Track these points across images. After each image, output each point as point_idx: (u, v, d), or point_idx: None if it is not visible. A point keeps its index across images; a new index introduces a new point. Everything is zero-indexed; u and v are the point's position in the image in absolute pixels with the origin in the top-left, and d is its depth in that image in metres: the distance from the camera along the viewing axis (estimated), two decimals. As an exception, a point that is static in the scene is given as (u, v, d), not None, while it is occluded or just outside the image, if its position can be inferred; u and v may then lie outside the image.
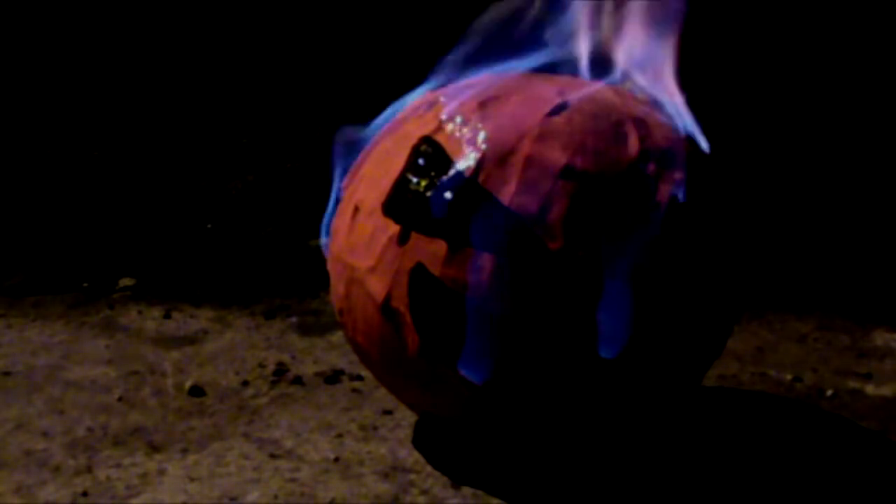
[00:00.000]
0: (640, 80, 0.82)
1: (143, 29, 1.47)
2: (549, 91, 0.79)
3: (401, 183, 0.77)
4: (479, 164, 0.75)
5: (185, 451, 0.87)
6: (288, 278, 1.29)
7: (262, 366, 1.04)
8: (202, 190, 1.45)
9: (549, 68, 0.84)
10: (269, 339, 1.11)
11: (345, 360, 1.04)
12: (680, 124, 0.80)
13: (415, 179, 0.76)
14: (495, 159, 0.75)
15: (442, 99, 0.81)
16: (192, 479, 0.82)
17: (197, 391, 0.98)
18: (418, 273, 0.75)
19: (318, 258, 0.87)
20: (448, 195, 0.75)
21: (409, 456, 0.86)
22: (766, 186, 1.27)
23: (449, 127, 0.78)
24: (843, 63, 1.34)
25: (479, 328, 0.74)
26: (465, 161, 0.75)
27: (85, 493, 0.80)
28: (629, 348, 0.75)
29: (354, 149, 0.84)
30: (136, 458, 0.86)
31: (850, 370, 1.05)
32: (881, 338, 1.13)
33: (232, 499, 0.80)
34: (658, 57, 0.82)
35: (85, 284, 1.27)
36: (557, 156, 0.75)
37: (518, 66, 0.84)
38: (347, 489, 0.81)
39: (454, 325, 0.75)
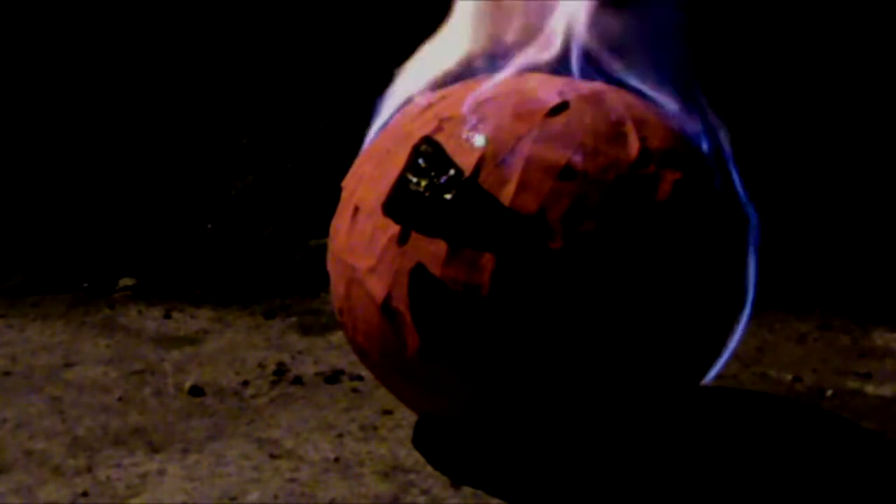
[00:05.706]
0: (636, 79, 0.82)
1: (143, 29, 1.47)
2: (549, 91, 0.79)
3: (401, 183, 0.77)
4: (479, 164, 0.75)
5: (185, 451, 0.87)
6: (288, 278, 1.29)
7: (262, 366, 1.04)
8: (202, 190, 1.45)
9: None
10: (269, 339, 1.11)
11: (345, 360, 1.04)
12: (680, 123, 0.80)
13: (415, 179, 0.76)
14: (495, 159, 0.75)
15: (441, 99, 0.81)
16: (192, 479, 0.82)
17: (197, 391, 0.98)
18: (418, 273, 0.75)
19: (319, 258, 0.87)
20: (448, 195, 0.75)
21: (409, 456, 0.86)
22: (767, 186, 1.27)
23: (449, 127, 0.78)
24: (843, 63, 1.34)
25: (480, 328, 0.74)
26: (465, 161, 0.75)
27: (85, 493, 0.80)
28: (629, 348, 0.75)
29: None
30: (136, 458, 0.86)
31: (850, 370, 1.05)
32: (881, 338, 1.13)
33: (232, 499, 0.80)
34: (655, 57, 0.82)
35: (85, 284, 1.27)
36: (557, 156, 0.75)
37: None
38: (347, 489, 0.81)
39: (454, 325, 0.75)
